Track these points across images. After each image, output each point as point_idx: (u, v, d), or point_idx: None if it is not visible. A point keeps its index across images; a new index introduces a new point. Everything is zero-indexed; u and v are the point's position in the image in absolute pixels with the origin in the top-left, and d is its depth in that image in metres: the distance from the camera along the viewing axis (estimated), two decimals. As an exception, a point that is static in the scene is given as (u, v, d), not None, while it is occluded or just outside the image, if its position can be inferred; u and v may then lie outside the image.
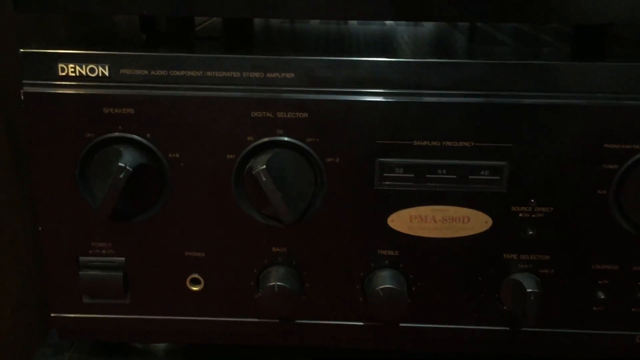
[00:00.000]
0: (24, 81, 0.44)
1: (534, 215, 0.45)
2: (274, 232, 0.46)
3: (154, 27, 0.50)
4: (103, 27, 0.58)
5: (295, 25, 0.64)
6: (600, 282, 0.47)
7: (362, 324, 0.49)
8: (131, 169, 0.42)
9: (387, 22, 0.66)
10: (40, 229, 0.47)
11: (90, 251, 0.47)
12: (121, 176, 0.42)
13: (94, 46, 0.45)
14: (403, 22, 0.66)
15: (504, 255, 0.46)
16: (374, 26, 0.63)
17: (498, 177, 0.45)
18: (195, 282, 0.48)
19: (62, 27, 0.62)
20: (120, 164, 0.42)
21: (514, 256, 0.46)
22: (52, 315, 0.49)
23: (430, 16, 0.44)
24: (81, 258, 0.47)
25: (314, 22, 0.66)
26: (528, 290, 0.45)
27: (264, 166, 0.42)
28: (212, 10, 0.44)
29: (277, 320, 0.49)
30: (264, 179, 0.42)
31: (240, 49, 0.48)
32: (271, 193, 0.42)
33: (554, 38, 0.58)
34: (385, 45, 0.52)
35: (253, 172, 0.42)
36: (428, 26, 0.65)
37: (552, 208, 0.45)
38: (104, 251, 0.47)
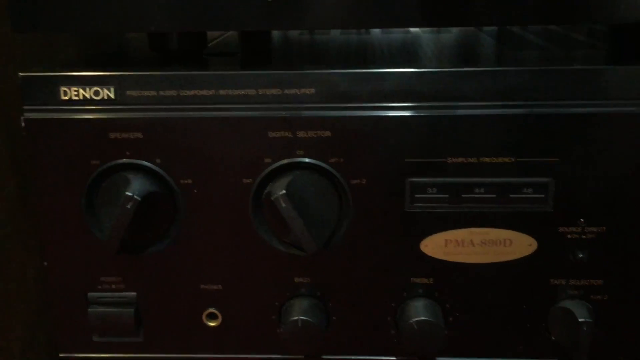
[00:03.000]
0: (25, 107, 0.41)
1: (584, 236, 0.41)
2: (296, 261, 0.43)
3: (164, 45, 0.47)
4: (113, 48, 0.55)
5: (315, 37, 0.61)
6: (660, 308, 0.42)
7: (394, 358, 0.44)
8: (139, 198, 0.39)
9: (412, 31, 0.63)
10: (45, 264, 0.44)
11: (100, 286, 0.44)
12: (129, 206, 0.39)
13: (99, 67, 0.42)
14: (428, 30, 0.62)
15: (551, 280, 0.42)
16: (396, 35, 0.60)
17: (543, 195, 0.40)
18: (212, 317, 0.44)
19: (72, 49, 0.60)
20: (127, 193, 0.39)
21: (562, 282, 0.42)
22: (60, 355, 0.46)
23: (460, 21, 0.40)
24: (90, 294, 0.44)
25: (335, 33, 0.62)
26: (580, 319, 0.40)
27: (284, 191, 0.38)
28: (226, 24, 0.41)
29: (302, 357, 0.45)
30: (284, 205, 0.38)
31: (256, 65, 0.45)
32: (292, 220, 0.39)
33: (585, 39, 0.54)
34: (410, 54, 0.48)
35: (272, 198, 0.39)
36: (453, 32, 0.61)
37: (604, 228, 0.41)
38: (113, 286, 0.44)
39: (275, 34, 0.61)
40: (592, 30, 0.59)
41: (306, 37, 0.60)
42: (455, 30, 0.61)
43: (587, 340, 0.40)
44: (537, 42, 0.52)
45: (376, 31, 0.63)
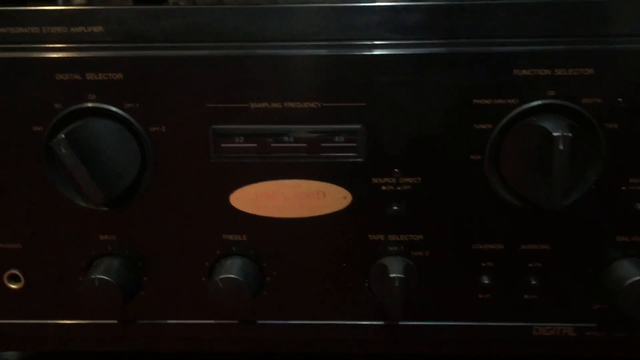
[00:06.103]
0: None
1: (399, 188, 0.39)
2: (99, 217, 0.40)
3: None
4: None
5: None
6: (483, 264, 0.40)
7: (212, 322, 0.42)
8: None
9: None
10: None
11: None
12: None
13: None
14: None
15: (370, 236, 0.40)
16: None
17: (355, 144, 0.38)
18: (14, 278, 0.41)
19: None
20: None
21: (381, 237, 0.40)
22: None
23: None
24: None
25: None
26: (392, 275, 0.38)
27: (62, 136, 0.35)
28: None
29: (115, 322, 0.42)
30: (64, 151, 0.35)
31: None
32: (74, 168, 0.35)
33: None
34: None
35: (49, 143, 0.36)
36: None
37: (419, 178, 0.38)
38: None
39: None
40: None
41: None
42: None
43: (399, 296, 0.38)
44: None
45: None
